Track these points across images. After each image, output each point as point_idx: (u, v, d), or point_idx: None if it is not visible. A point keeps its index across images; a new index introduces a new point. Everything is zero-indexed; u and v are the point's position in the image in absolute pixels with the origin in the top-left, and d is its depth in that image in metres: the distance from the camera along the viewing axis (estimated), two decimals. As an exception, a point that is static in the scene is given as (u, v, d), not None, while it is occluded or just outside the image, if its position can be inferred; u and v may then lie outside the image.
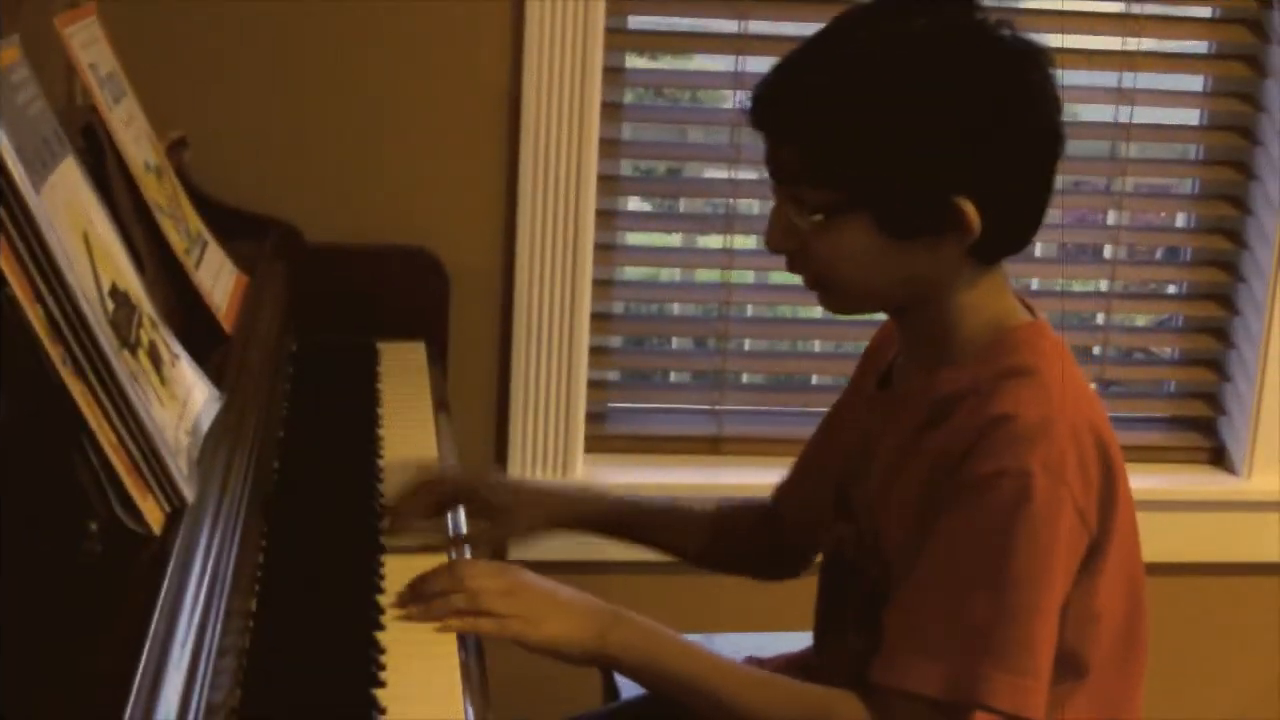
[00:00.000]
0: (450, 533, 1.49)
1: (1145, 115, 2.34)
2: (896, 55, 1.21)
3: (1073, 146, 1.30)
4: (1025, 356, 1.25)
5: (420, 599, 1.28)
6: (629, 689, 1.66)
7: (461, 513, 1.53)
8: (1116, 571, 1.26)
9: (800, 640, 1.53)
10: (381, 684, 1.16)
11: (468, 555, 1.47)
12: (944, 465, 1.22)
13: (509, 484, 1.64)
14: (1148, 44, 2.31)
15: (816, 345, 2.55)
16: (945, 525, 1.20)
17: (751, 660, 1.52)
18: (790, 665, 1.49)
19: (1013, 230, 1.26)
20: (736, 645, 1.56)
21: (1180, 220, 2.48)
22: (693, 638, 1.31)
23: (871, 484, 1.32)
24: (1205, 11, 2.33)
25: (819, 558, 1.47)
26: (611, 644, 1.27)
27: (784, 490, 1.58)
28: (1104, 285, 2.43)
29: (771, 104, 1.26)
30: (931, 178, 1.20)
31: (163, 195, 1.55)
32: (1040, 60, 1.23)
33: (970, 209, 1.20)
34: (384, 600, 1.29)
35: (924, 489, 1.24)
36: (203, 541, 1.04)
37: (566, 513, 1.58)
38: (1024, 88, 1.22)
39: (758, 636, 1.71)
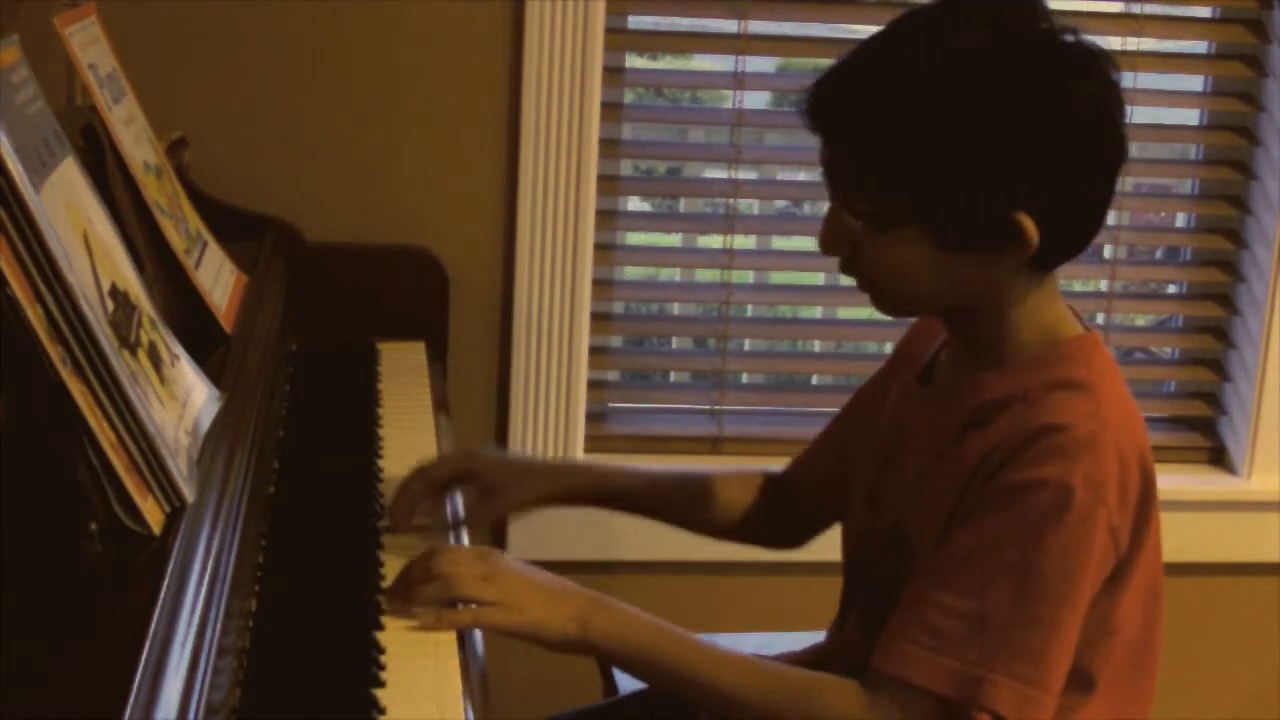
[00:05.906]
0: (450, 519, 1.49)
1: (1145, 115, 2.34)
2: (955, 72, 1.17)
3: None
4: (1078, 370, 1.23)
5: (402, 589, 1.27)
6: (627, 684, 1.66)
7: (459, 498, 1.52)
8: (1139, 589, 1.24)
9: (805, 640, 1.53)
10: (381, 684, 1.16)
11: (464, 540, 1.46)
12: (984, 468, 1.20)
13: (505, 460, 1.61)
14: (1148, 44, 2.31)
15: (816, 345, 2.55)
16: (976, 525, 1.19)
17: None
18: (795, 664, 1.48)
19: (1072, 238, 1.24)
20: (741, 645, 1.56)
21: (1180, 220, 2.48)
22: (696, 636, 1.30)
23: (903, 477, 1.32)
24: (1205, 11, 2.33)
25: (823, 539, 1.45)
26: (593, 630, 1.25)
27: (801, 461, 1.58)
28: (1104, 285, 2.43)
29: (829, 111, 1.23)
30: (989, 195, 1.18)
31: (163, 195, 1.55)
32: (1103, 65, 1.20)
33: (1029, 224, 1.18)
34: (384, 600, 1.29)
35: (959, 489, 1.23)
36: (203, 541, 1.04)
37: (562, 485, 1.56)
38: (1084, 98, 1.19)
39: (762, 636, 1.71)
